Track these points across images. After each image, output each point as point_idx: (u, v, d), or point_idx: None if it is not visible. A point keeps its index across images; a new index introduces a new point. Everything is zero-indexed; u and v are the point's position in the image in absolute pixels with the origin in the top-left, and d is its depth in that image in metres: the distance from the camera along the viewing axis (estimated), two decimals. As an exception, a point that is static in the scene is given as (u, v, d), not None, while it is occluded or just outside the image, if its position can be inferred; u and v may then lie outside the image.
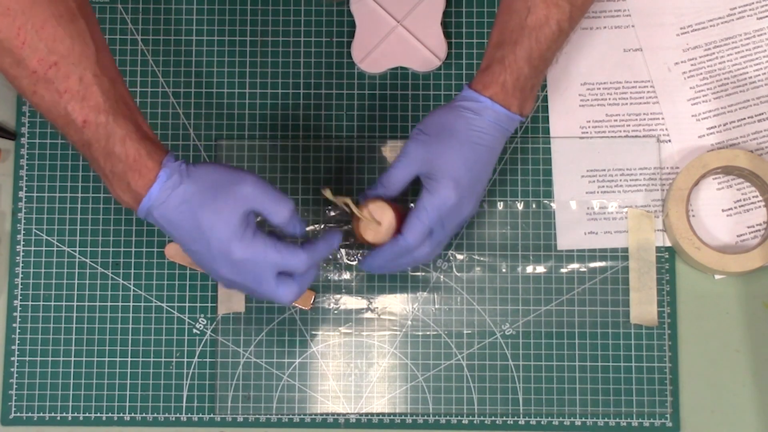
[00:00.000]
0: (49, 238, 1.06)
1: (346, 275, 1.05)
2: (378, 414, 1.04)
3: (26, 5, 0.81)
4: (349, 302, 1.05)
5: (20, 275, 1.05)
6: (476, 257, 1.05)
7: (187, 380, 1.04)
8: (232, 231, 0.85)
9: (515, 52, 0.92)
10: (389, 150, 1.07)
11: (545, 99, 1.08)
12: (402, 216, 0.94)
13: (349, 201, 0.92)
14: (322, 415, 1.04)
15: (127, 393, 1.04)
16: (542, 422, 1.03)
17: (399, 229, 0.93)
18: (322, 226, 1.05)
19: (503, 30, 0.93)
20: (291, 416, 1.04)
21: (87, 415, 1.04)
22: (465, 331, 1.04)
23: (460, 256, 1.05)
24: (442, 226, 0.93)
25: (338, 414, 1.04)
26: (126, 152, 0.84)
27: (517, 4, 0.92)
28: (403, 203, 0.98)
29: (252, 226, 0.86)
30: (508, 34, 0.92)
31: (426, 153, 0.92)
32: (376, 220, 0.93)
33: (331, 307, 1.05)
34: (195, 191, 0.85)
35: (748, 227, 1.06)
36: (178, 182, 0.85)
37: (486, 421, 1.03)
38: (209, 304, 1.05)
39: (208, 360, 1.04)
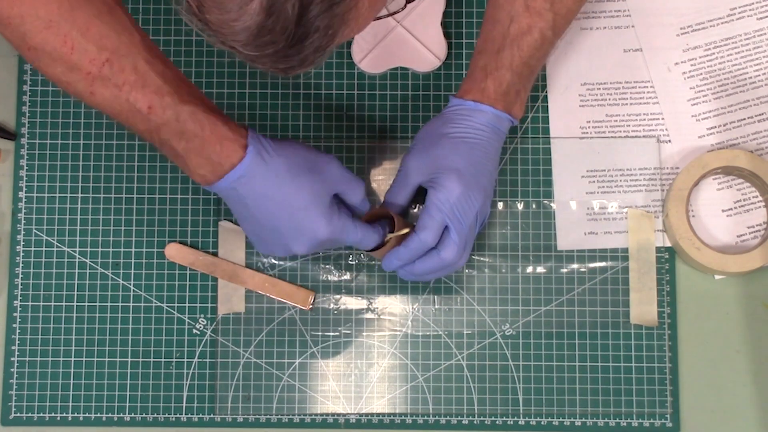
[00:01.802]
0: (49, 238, 1.06)
1: (346, 275, 1.05)
2: (378, 414, 1.04)
3: (66, 12, 0.81)
4: (349, 302, 1.05)
5: (20, 275, 1.05)
6: (476, 257, 1.05)
7: (187, 380, 1.04)
8: (323, 212, 0.90)
9: (496, 60, 0.93)
10: (389, 150, 1.07)
11: (545, 99, 1.08)
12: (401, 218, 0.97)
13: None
14: (322, 415, 1.04)
15: (127, 393, 1.04)
16: (542, 422, 1.03)
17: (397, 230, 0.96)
18: None
19: (486, 39, 0.95)
20: (291, 416, 1.04)
21: (87, 415, 1.04)
22: (465, 332, 1.04)
23: (460, 256, 1.05)
24: (459, 220, 0.94)
25: (338, 414, 1.04)
26: (201, 126, 0.86)
27: (500, 14, 0.93)
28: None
29: (337, 207, 0.91)
30: (490, 44, 0.94)
31: (423, 161, 0.95)
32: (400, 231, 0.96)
33: (331, 307, 1.05)
34: (286, 168, 0.88)
35: (748, 227, 1.06)
36: (268, 157, 0.87)
37: (486, 421, 1.03)
38: (209, 304, 1.05)
39: (208, 360, 1.04)
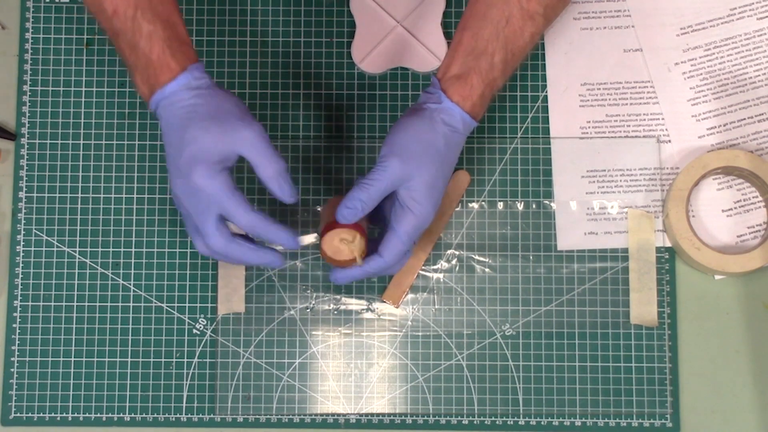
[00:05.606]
0: (49, 238, 1.06)
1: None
2: (378, 414, 1.04)
3: None
4: (349, 302, 1.05)
5: (20, 275, 1.05)
6: (476, 257, 1.05)
7: (187, 380, 1.04)
8: (205, 160, 0.85)
9: (493, 64, 0.91)
10: (389, 150, 1.07)
11: (545, 99, 1.08)
12: (365, 230, 0.92)
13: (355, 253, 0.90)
14: (322, 415, 1.04)
15: (127, 393, 1.04)
16: (542, 422, 1.03)
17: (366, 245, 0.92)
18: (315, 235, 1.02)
19: (477, 38, 0.92)
20: (291, 416, 1.04)
21: (87, 415, 1.04)
22: (465, 332, 1.04)
23: (459, 256, 1.05)
24: (415, 242, 0.92)
25: (338, 414, 1.04)
26: (150, 48, 0.86)
27: (494, 12, 0.91)
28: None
29: (225, 169, 0.86)
30: (483, 44, 0.91)
31: (406, 169, 0.89)
32: (358, 249, 0.91)
33: (331, 307, 1.05)
34: (202, 109, 0.86)
35: (748, 227, 1.06)
36: (191, 94, 0.87)
37: (486, 421, 1.03)
38: (209, 304, 1.05)
39: (208, 360, 1.04)
